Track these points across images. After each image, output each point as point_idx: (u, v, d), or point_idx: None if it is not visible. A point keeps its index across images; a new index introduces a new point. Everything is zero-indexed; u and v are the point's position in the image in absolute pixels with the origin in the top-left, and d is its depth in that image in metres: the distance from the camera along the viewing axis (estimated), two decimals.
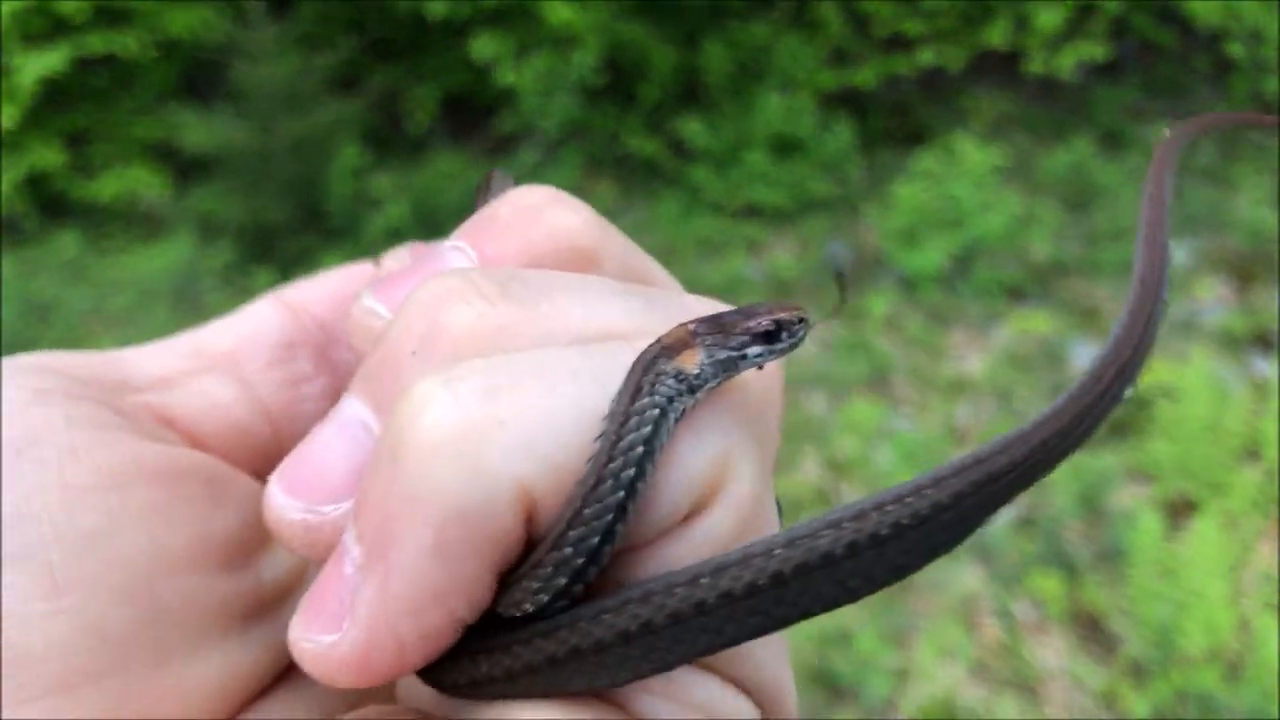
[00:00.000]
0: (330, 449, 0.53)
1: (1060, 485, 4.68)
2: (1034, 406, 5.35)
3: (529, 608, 0.47)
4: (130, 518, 0.53)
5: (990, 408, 5.41)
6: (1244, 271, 6.28)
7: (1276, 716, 3.56)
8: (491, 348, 0.49)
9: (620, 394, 0.47)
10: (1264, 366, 5.35)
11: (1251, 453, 4.58)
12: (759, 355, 0.52)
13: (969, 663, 4.00)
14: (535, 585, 0.47)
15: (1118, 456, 4.83)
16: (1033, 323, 6.05)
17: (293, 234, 7.69)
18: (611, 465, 0.45)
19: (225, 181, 7.99)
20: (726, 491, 0.49)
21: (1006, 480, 0.48)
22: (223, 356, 0.64)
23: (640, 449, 0.46)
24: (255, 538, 0.59)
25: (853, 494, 4.90)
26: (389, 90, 8.97)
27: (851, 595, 0.46)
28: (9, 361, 0.57)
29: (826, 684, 3.94)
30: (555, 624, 0.47)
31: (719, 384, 0.50)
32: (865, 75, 8.39)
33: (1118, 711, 3.77)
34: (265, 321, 0.66)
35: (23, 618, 0.49)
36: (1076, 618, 4.15)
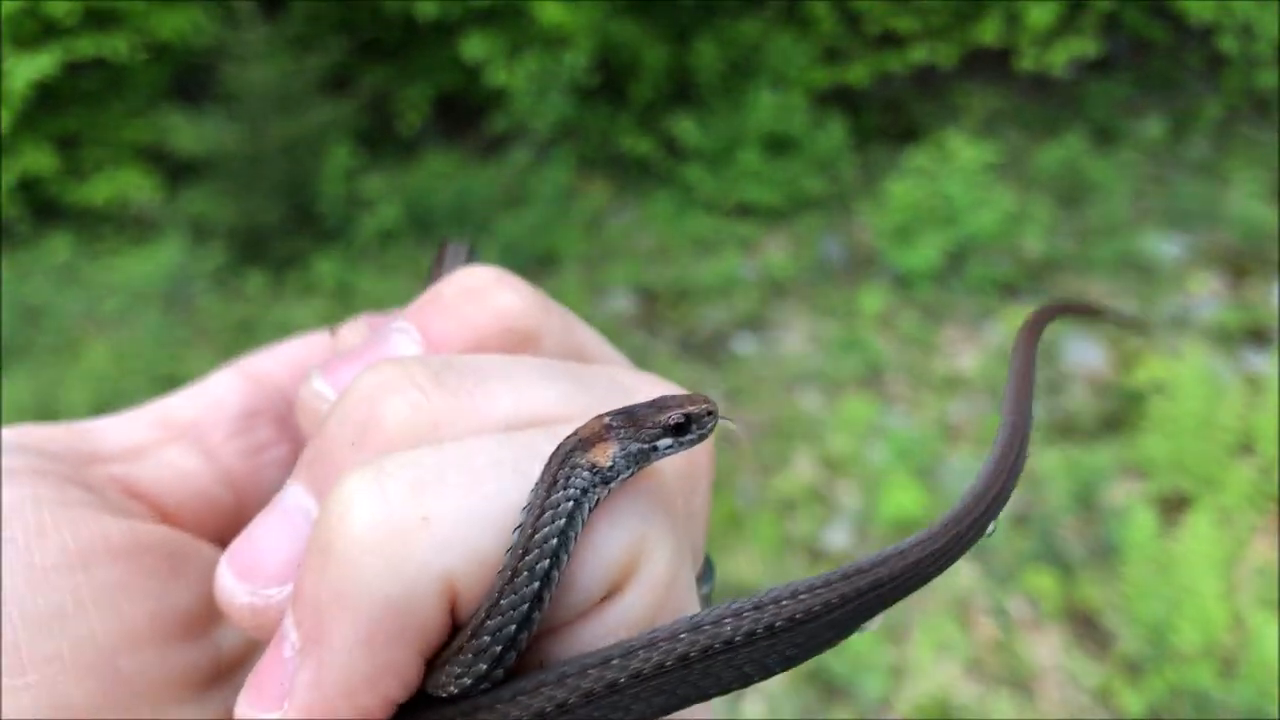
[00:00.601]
0: (273, 535, 0.56)
1: (1054, 482, 4.68)
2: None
3: (453, 689, 0.50)
4: (94, 596, 0.56)
5: (983, 404, 5.40)
6: (1238, 266, 6.28)
7: (1276, 715, 3.55)
8: (424, 439, 0.53)
9: (537, 486, 0.50)
10: (1258, 361, 5.34)
11: (1245, 448, 4.57)
12: (669, 447, 0.55)
13: (964, 660, 3.99)
14: (458, 670, 0.50)
15: (1112, 452, 4.83)
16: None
17: (285, 236, 7.67)
18: (527, 558, 0.49)
19: (216, 184, 7.98)
20: (641, 574, 0.52)
21: (884, 590, 0.53)
22: (188, 426, 0.68)
23: (554, 540, 0.49)
24: (214, 609, 0.61)
25: (848, 491, 4.90)
26: (380, 91, 8.96)
27: (745, 680, 0.50)
28: None
29: (821, 682, 3.94)
30: (475, 704, 0.50)
31: (632, 475, 0.54)
32: (857, 72, 8.38)
33: (1113, 708, 3.76)
34: (228, 391, 0.71)
35: None
36: (1071, 615, 4.14)
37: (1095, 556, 4.34)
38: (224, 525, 0.67)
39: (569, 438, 0.53)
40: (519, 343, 0.63)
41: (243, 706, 0.52)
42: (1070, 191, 7.40)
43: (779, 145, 7.99)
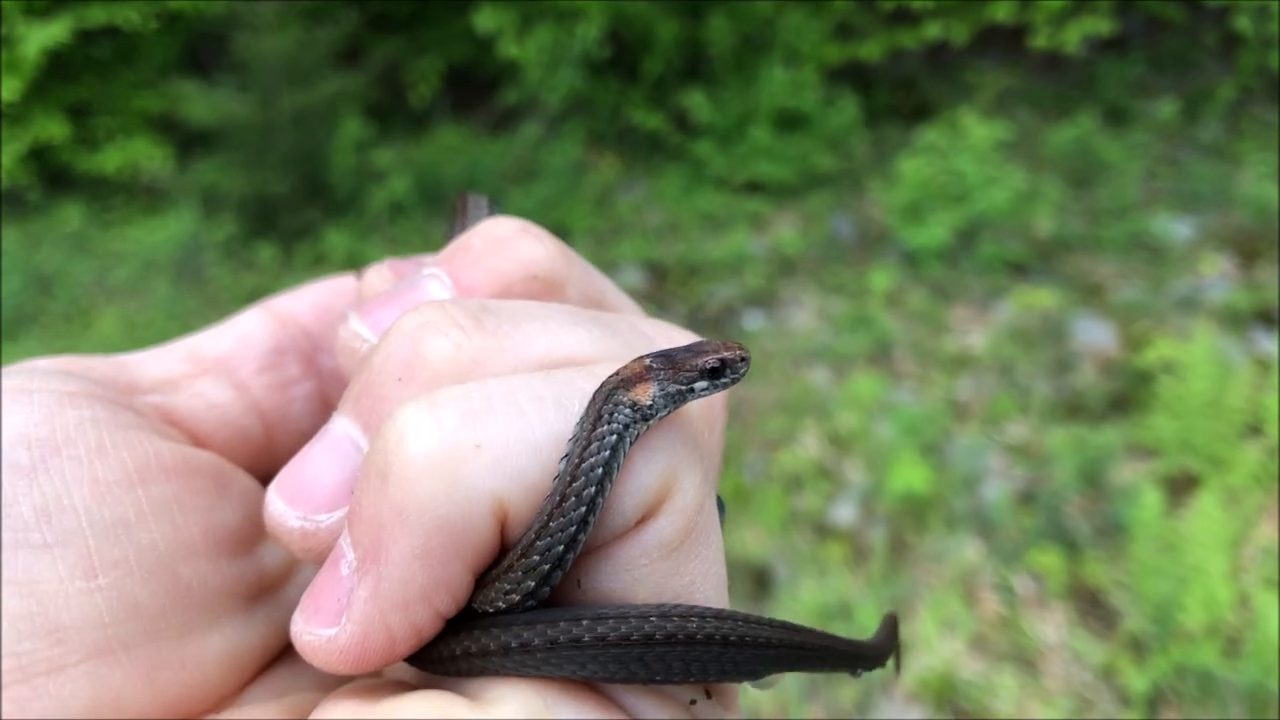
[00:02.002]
0: (322, 463, 0.60)
1: (1062, 461, 4.69)
2: (1036, 381, 5.35)
3: (501, 605, 0.55)
4: (152, 509, 0.60)
5: (992, 382, 5.40)
6: (1248, 248, 6.26)
7: (1278, 691, 3.57)
8: (467, 376, 0.56)
9: (583, 420, 0.54)
10: (1267, 343, 5.34)
11: (1254, 429, 4.57)
12: (705, 389, 0.59)
13: (969, 636, 4.01)
14: (507, 587, 0.54)
15: (1120, 432, 4.84)
16: (1035, 298, 6.04)
17: (295, 207, 7.67)
18: (575, 484, 0.52)
19: (227, 154, 7.98)
20: (673, 501, 0.56)
21: (825, 654, 0.63)
22: (217, 361, 0.72)
23: (599, 470, 0.53)
24: (256, 529, 0.66)
25: (855, 467, 4.91)
26: (391, 63, 8.95)
27: (686, 675, 0.55)
28: (34, 365, 0.65)
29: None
30: (512, 620, 0.54)
31: (668, 413, 0.58)
32: (870, 49, 8.36)
33: (1117, 686, 3.78)
34: (255, 329, 0.74)
35: (64, 595, 0.55)
36: (1076, 593, 4.16)
37: (1102, 535, 4.35)
38: (255, 455, 0.72)
39: (611, 377, 0.56)
40: (544, 289, 0.67)
41: (299, 623, 0.56)
42: (1081, 171, 7.38)
43: (790, 121, 7.97)
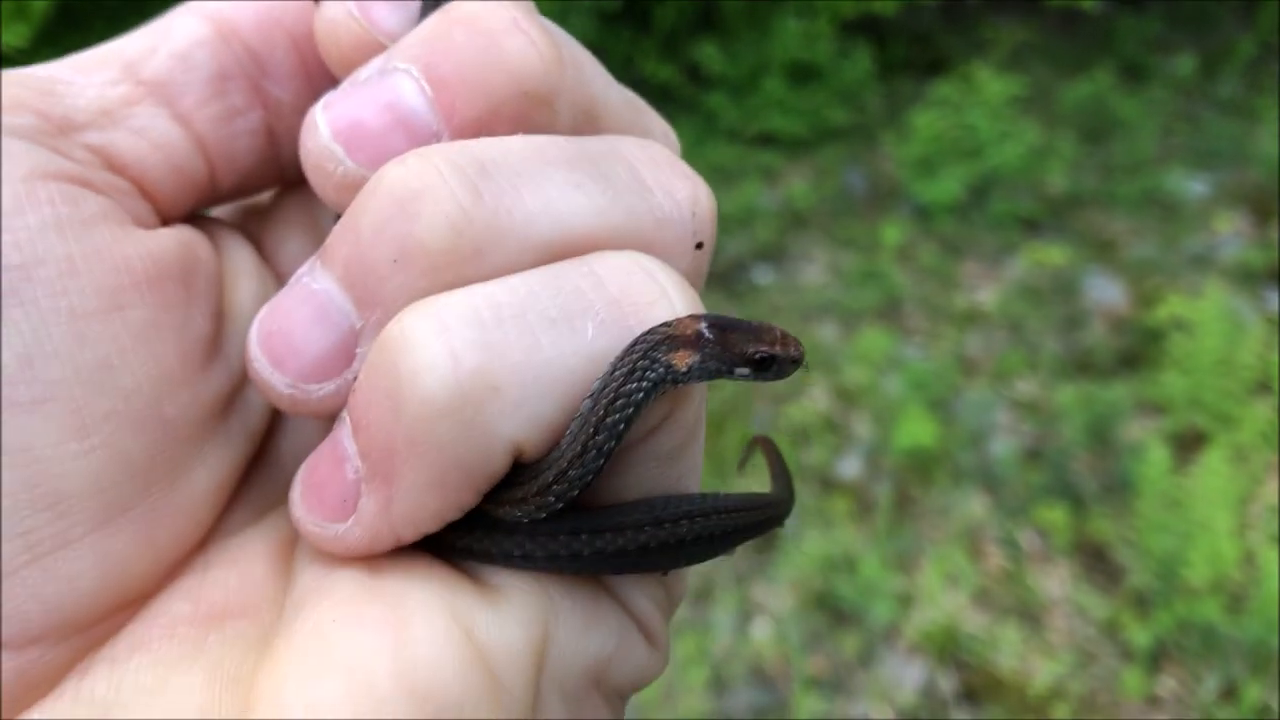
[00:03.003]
0: (309, 327, 0.57)
1: (1069, 417, 4.68)
2: (1045, 338, 5.34)
3: (507, 519, 0.56)
4: (132, 341, 0.55)
5: (1001, 339, 5.39)
6: (1263, 206, 6.21)
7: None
8: (469, 264, 0.54)
9: (615, 364, 0.53)
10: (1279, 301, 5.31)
11: (1263, 387, 4.56)
12: (744, 375, 0.59)
13: (973, 590, 4.02)
14: (517, 512, 0.55)
15: (1129, 389, 4.82)
16: (1047, 255, 6.01)
17: None
18: (597, 438, 0.53)
19: None
20: (674, 419, 0.58)
21: (776, 508, 0.66)
22: (156, 84, 0.64)
23: (622, 426, 0.53)
24: (220, 325, 0.62)
25: (862, 421, 4.91)
26: None
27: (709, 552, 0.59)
28: None
29: (830, 608, 3.98)
30: (516, 528, 0.56)
31: (698, 382, 0.58)
32: (885, 2, 8.26)
33: (1120, 640, 3.79)
34: (195, 47, 0.65)
35: (59, 461, 0.51)
36: (1081, 548, 4.16)
37: (1108, 491, 4.35)
38: (197, 194, 0.66)
39: (661, 326, 0.55)
40: (534, 107, 0.60)
41: (301, 511, 0.55)
42: (1096, 128, 7.32)
43: (803, 74, 7.91)
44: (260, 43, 0.67)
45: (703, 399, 0.62)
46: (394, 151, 0.57)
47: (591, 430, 0.53)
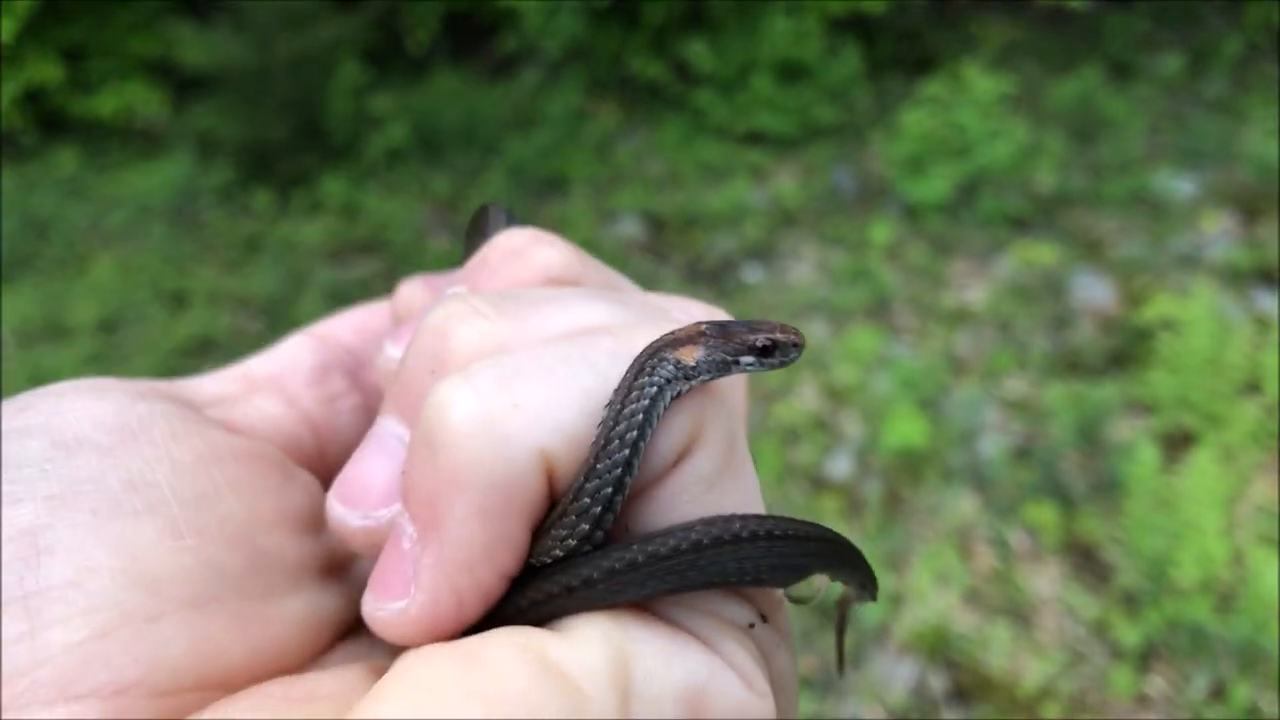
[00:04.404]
0: (373, 462, 0.64)
1: (1058, 416, 4.69)
2: (1034, 337, 5.35)
3: (558, 552, 0.56)
4: (229, 486, 0.64)
5: (990, 338, 5.40)
6: (1250, 205, 6.23)
7: (1276, 646, 3.59)
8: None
9: (627, 371, 0.57)
10: (1267, 301, 5.33)
11: (1252, 387, 4.57)
12: (750, 364, 0.62)
13: (963, 590, 4.03)
14: (563, 533, 0.56)
15: (1117, 388, 4.84)
16: (1035, 253, 6.02)
17: (292, 153, 7.62)
18: (618, 428, 0.55)
19: (224, 99, 7.92)
20: (705, 439, 0.59)
21: (842, 552, 0.65)
22: (268, 380, 0.77)
23: (640, 416, 0.55)
24: (319, 517, 0.70)
25: (851, 420, 4.91)
26: (389, 8, 8.86)
27: (742, 575, 0.58)
28: (93, 380, 0.68)
29: (820, 607, 3.98)
30: (570, 563, 0.56)
31: (711, 378, 0.60)
32: (874, 0, 8.27)
33: (1109, 640, 3.80)
34: (300, 350, 0.79)
35: (155, 553, 0.59)
36: (1071, 548, 4.17)
37: (1097, 491, 4.36)
38: (308, 461, 0.75)
39: (665, 335, 0.59)
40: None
41: (370, 603, 0.58)
42: (1084, 126, 7.34)
43: (792, 72, 7.91)
44: (355, 340, 0.82)
45: (738, 419, 0.65)
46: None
47: (612, 423, 0.55)
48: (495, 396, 0.55)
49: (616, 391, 0.56)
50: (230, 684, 0.60)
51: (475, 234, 0.81)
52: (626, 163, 7.66)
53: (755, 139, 7.72)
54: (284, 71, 7.71)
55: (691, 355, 0.59)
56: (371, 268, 6.66)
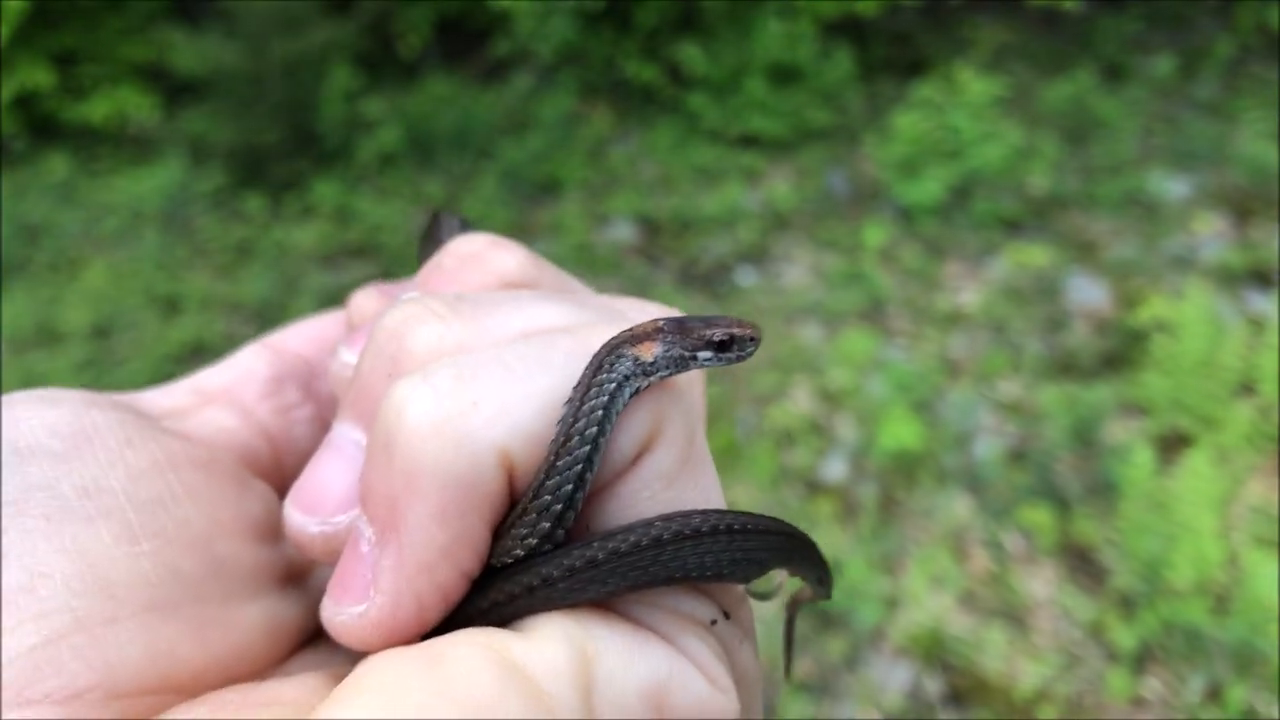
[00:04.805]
0: (329, 468, 0.64)
1: (1053, 419, 4.69)
2: (1028, 339, 5.35)
3: (519, 552, 0.56)
4: (185, 493, 0.64)
5: (984, 340, 5.40)
6: (1243, 207, 6.24)
7: (1274, 651, 3.59)
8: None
9: (585, 369, 0.57)
10: (1261, 302, 5.33)
11: (1246, 388, 4.57)
12: (708, 359, 0.62)
13: (958, 592, 4.02)
14: (524, 531, 0.56)
15: (1112, 390, 4.84)
16: (1029, 255, 6.02)
17: (284, 157, 7.61)
18: (577, 424, 0.55)
19: (216, 104, 7.91)
20: (664, 435, 0.59)
21: (811, 551, 0.66)
22: (221, 391, 0.77)
23: (600, 412, 0.55)
24: (276, 526, 0.70)
25: (846, 423, 4.91)
26: (381, 12, 8.85)
27: (702, 570, 0.58)
28: (45, 390, 0.68)
29: (816, 611, 3.97)
30: (531, 562, 0.56)
31: (670, 374, 0.60)
32: (866, 2, 8.27)
33: (1105, 642, 3.80)
34: (254, 360, 0.79)
35: (111, 558, 0.58)
36: (1066, 550, 4.17)
37: (1092, 493, 4.35)
38: (265, 475, 0.75)
39: (624, 331, 0.59)
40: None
41: (329, 608, 0.58)
42: (1077, 128, 7.34)
43: (785, 75, 7.91)
44: (310, 350, 0.81)
45: (697, 415, 0.65)
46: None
47: (571, 419, 0.55)
48: (454, 395, 0.55)
49: (576, 388, 0.56)
50: (188, 689, 0.60)
51: (429, 241, 0.81)
52: (620, 166, 7.66)
53: (748, 142, 7.72)
54: (276, 76, 7.70)
55: (650, 351, 0.59)
56: (364, 272, 6.64)
